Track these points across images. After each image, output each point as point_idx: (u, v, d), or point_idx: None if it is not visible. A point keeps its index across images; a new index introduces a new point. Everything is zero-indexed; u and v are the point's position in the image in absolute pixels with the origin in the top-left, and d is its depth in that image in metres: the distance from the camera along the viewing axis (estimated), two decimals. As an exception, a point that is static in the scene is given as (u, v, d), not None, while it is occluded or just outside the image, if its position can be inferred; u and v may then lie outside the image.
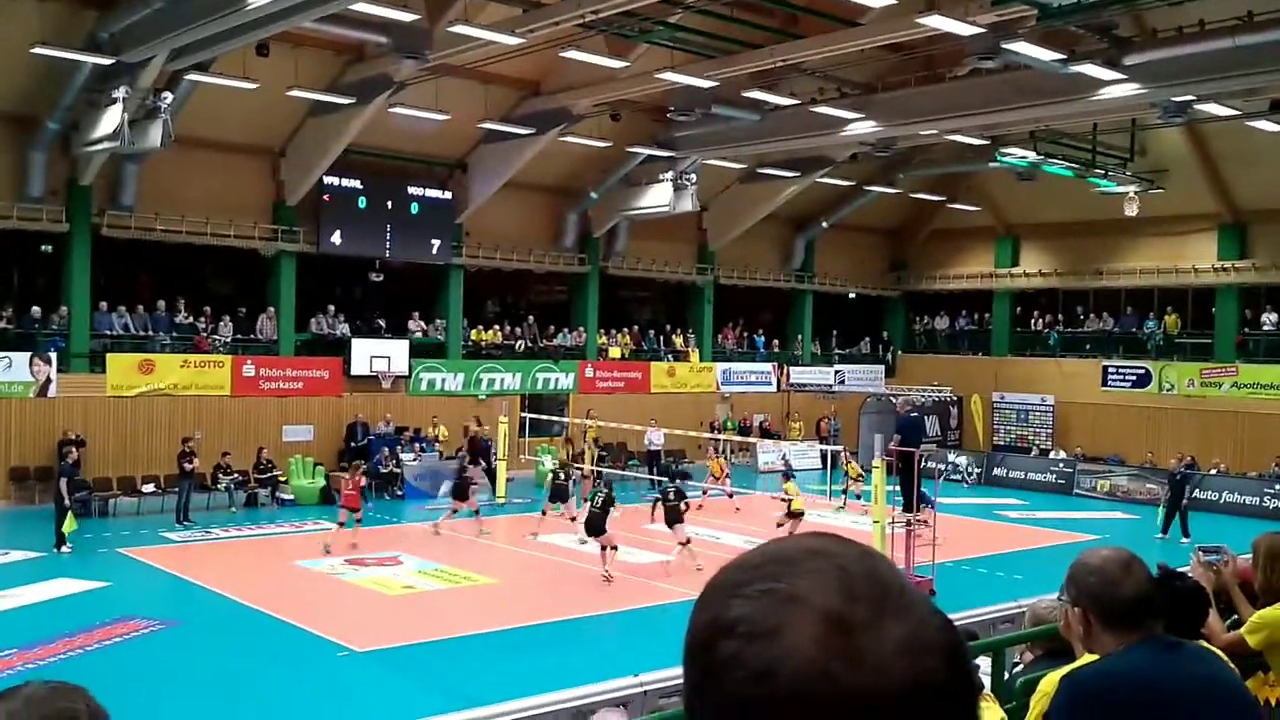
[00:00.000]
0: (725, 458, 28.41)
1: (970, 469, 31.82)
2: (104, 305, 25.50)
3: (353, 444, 27.28)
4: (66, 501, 19.37)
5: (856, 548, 0.96)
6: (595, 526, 17.86)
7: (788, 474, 22.13)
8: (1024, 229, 37.50)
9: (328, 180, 27.37)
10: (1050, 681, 2.83)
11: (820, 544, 0.96)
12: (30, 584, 16.70)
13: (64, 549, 19.13)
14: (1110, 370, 34.10)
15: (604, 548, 17.76)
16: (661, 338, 35.49)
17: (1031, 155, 28.24)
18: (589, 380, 32.30)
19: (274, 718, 11.64)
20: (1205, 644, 3.26)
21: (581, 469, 24.78)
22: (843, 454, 26.43)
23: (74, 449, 21.33)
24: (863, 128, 25.49)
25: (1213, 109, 22.94)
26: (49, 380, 23.74)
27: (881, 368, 39.37)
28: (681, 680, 0.98)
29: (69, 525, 19.25)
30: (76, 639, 13.84)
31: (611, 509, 18.27)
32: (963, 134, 27.59)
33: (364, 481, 21.48)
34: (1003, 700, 3.91)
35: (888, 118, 25.08)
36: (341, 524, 19.85)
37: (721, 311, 36.89)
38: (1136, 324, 35.02)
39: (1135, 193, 29.60)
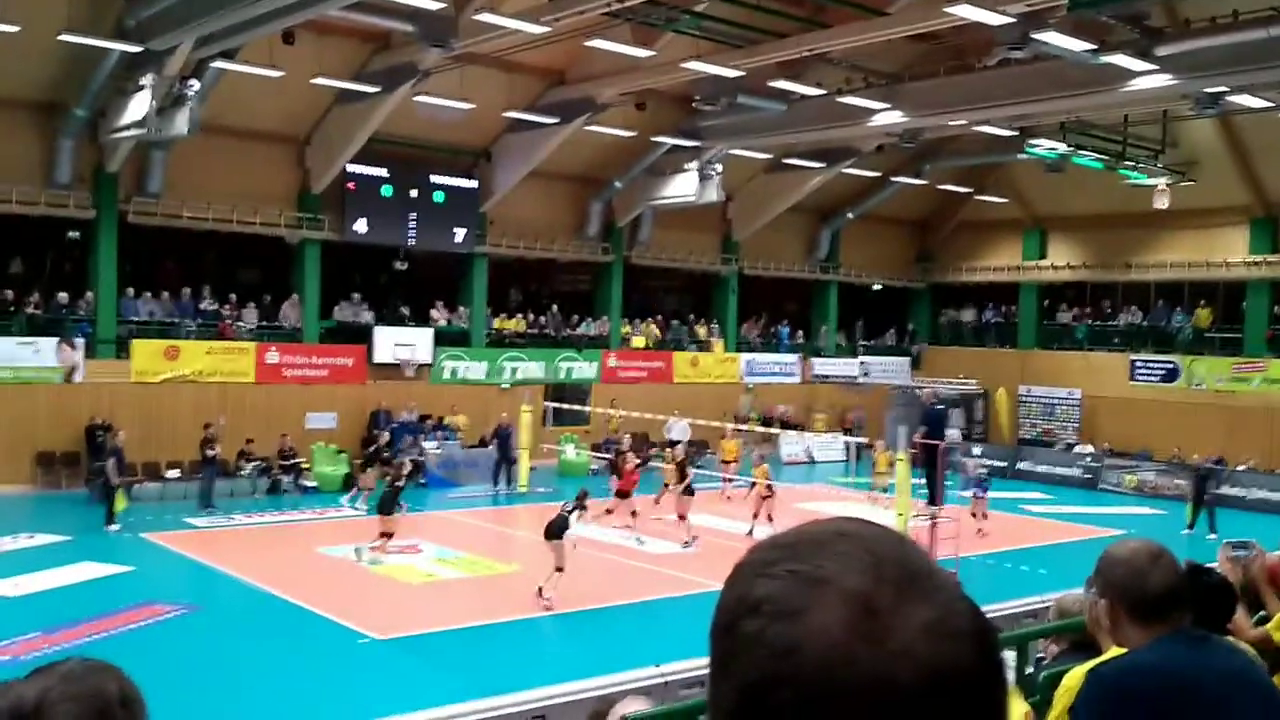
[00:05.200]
0: (741, 443, 27.93)
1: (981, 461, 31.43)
2: (130, 291, 25.71)
3: (375, 432, 27.36)
4: (114, 481, 19.96)
5: (886, 532, 0.95)
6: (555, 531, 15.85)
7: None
8: (1052, 221, 37.22)
9: (352, 168, 27.45)
10: (1075, 675, 2.78)
11: (851, 526, 0.95)
12: (55, 568, 16.83)
13: (113, 527, 19.68)
14: (1138, 364, 33.81)
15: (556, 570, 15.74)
16: (685, 328, 35.46)
17: (1061, 147, 28.00)
18: (612, 370, 32.30)
19: (295, 704, 11.69)
20: (1233, 639, 3.19)
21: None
22: (874, 445, 26.08)
23: (118, 432, 21.64)
24: (889, 118, 25.33)
25: (1246, 100, 22.65)
26: (76, 366, 23.93)
27: (907, 360, 39.20)
28: (703, 671, 0.96)
29: (120, 503, 19.96)
30: (100, 623, 13.94)
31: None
32: (991, 125, 27.37)
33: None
34: (1027, 694, 3.85)
35: (915, 108, 24.91)
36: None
37: (746, 302, 36.80)
38: (1166, 318, 34.72)
39: (1166, 185, 29.29)
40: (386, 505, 17.91)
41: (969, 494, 22.39)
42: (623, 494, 20.49)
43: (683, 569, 17.75)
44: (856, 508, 23.37)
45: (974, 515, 21.59)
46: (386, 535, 17.73)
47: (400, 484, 18.55)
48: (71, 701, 1.30)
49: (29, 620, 13.84)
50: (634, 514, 20.21)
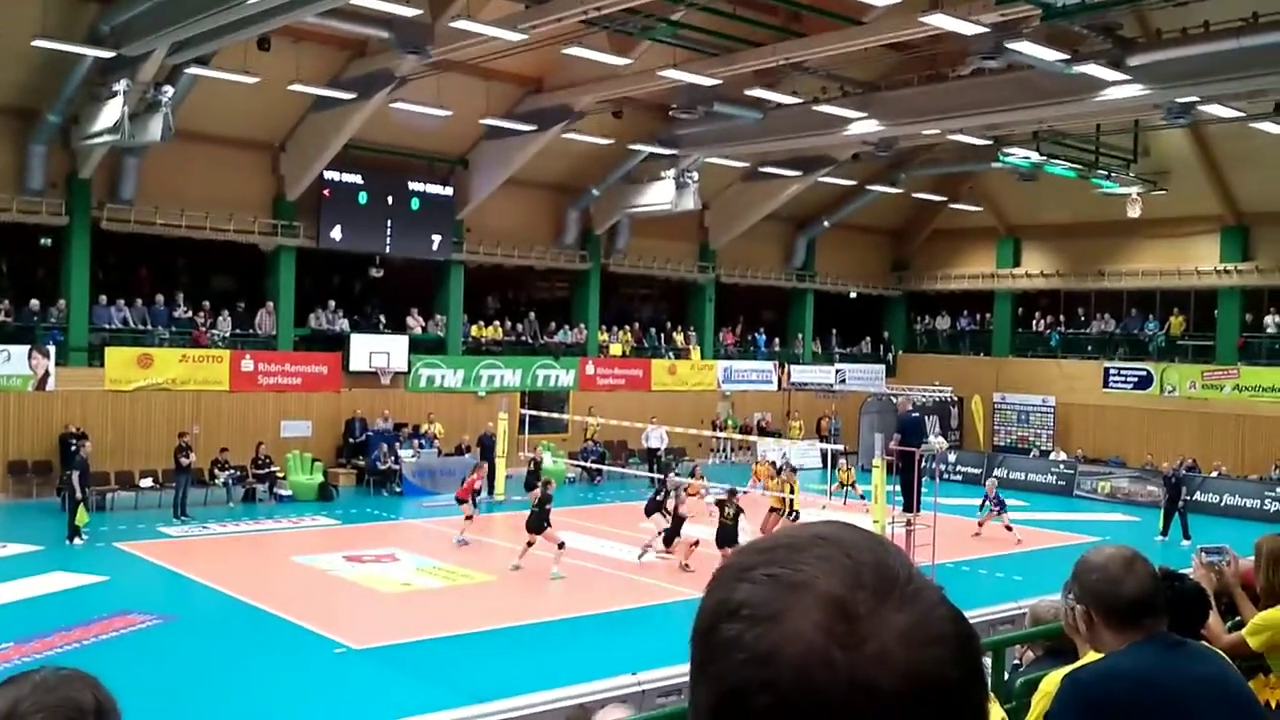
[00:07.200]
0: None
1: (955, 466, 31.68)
2: (103, 299, 25.47)
3: (351, 440, 27.26)
4: (79, 495, 19.61)
5: (867, 536, 0.95)
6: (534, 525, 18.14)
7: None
8: (1026, 229, 37.46)
9: (328, 175, 27.32)
10: (1052, 681, 2.79)
11: (831, 531, 0.95)
12: (27, 577, 16.67)
13: (77, 540, 19.34)
14: (1111, 372, 34.06)
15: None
16: (662, 335, 35.48)
17: (1034, 156, 28.20)
18: (590, 377, 32.27)
19: (270, 714, 11.61)
20: (1207, 644, 3.22)
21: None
22: (838, 461, 26.17)
23: (85, 443, 21.40)
24: (865, 127, 25.43)
25: (1216, 110, 22.88)
26: (47, 374, 23.70)
27: (882, 367, 39.33)
28: (680, 679, 0.95)
29: (81, 518, 19.55)
30: (73, 633, 13.80)
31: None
32: (965, 134, 27.55)
33: (478, 482, 21.84)
34: (1003, 700, 3.87)
35: (890, 117, 25.02)
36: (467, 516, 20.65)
37: (722, 310, 36.87)
38: (1138, 325, 35.01)
39: (1138, 194, 29.56)
40: (536, 525, 18.13)
41: (982, 506, 22.89)
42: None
43: (661, 578, 17.73)
44: (835, 514, 23.40)
45: (1007, 528, 22.34)
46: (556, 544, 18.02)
47: (547, 505, 18.55)
48: (45, 711, 1.28)
49: (1, 631, 13.68)
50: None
